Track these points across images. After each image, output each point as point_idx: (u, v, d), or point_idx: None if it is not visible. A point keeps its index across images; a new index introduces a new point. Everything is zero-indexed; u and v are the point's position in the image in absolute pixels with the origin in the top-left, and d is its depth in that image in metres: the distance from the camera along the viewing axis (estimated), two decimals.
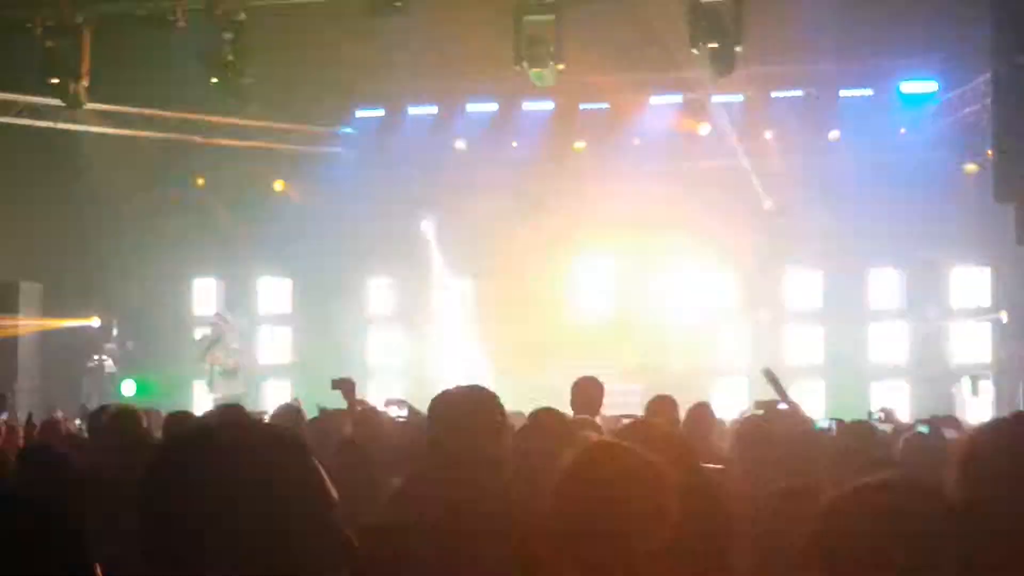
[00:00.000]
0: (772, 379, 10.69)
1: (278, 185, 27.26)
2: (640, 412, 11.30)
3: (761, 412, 11.35)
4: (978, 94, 21.94)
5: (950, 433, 12.69)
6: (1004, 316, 23.96)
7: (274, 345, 28.56)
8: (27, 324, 25.66)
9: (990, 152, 19.58)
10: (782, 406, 11.34)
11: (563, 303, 26.41)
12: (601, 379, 10.71)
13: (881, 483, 3.39)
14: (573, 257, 26.48)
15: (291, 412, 10.98)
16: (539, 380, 23.99)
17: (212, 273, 28.55)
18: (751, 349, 26.13)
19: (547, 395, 9.20)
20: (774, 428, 9.74)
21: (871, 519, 3.27)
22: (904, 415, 15.27)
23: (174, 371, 26.67)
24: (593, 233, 25.99)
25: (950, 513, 3.34)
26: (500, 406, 5.44)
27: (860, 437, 9.71)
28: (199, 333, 27.12)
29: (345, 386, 11.26)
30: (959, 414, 17.74)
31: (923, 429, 11.28)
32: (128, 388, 25.42)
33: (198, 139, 25.73)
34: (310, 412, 11.66)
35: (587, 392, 10.26)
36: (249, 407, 16.90)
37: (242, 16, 20.60)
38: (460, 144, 26.18)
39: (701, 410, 10.28)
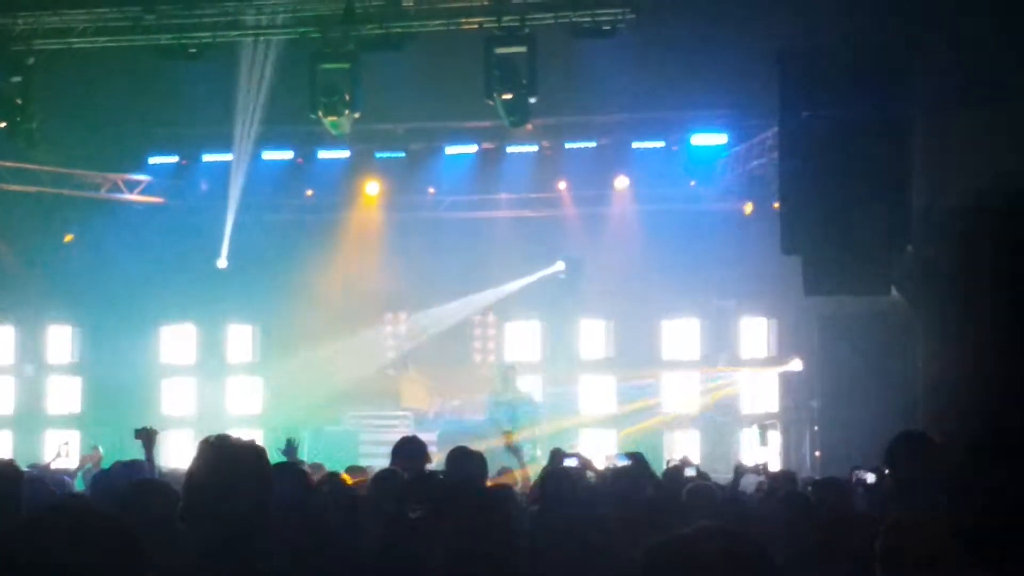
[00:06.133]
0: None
1: (65, 232, 26.68)
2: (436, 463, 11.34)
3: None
4: (766, 147, 22.40)
5: (754, 480, 12.99)
6: (799, 364, 24.37)
7: (63, 394, 27.88)
8: None
9: (777, 204, 19.97)
10: (568, 460, 11.56)
11: (359, 351, 26.26)
12: (396, 427, 10.76)
13: (696, 532, 3.40)
14: (366, 306, 26.36)
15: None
16: (330, 428, 23.99)
17: (3, 320, 27.82)
18: (551, 400, 26.23)
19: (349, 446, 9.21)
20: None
21: (684, 567, 3.27)
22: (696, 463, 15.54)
23: None
24: (388, 282, 25.96)
25: (763, 562, 3.36)
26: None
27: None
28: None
29: (146, 436, 11.22)
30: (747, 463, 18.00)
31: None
32: None
33: None
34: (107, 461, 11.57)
35: (410, 451, 10.25)
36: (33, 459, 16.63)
37: (31, 60, 20.25)
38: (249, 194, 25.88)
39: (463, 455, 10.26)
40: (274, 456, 12.64)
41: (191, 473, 4.85)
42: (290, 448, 12.14)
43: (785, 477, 13.62)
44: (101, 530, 3.19)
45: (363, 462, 14.84)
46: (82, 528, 3.17)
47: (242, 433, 22.50)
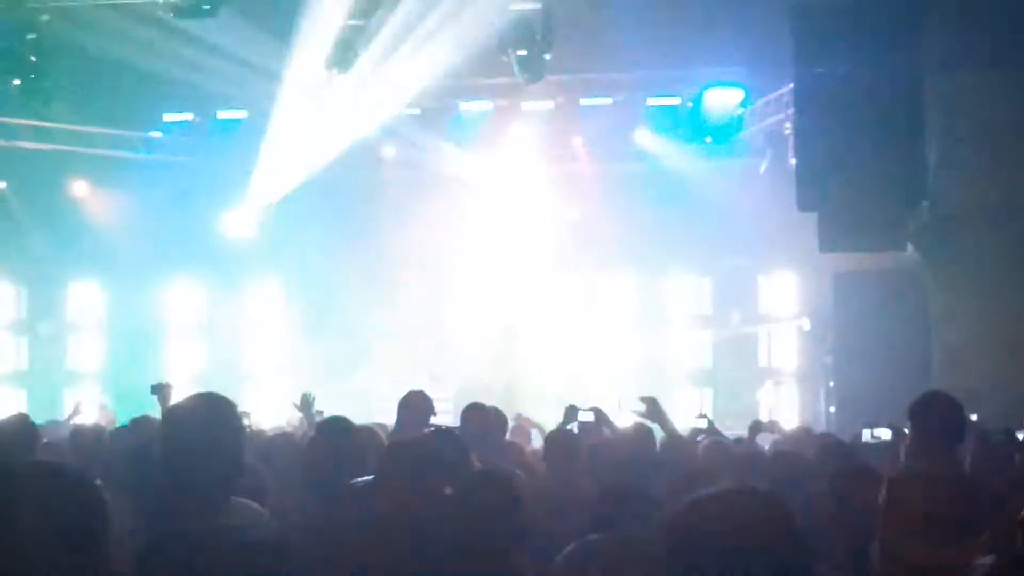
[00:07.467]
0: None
1: (81, 190, 26.71)
2: (451, 420, 11.38)
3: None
4: (783, 103, 22.33)
5: (770, 438, 12.98)
6: (806, 323, 24.41)
7: (80, 351, 27.99)
8: None
9: (794, 161, 19.95)
10: (584, 415, 11.58)
11: (373, 310, 26.30)
12: (409, 385, 10.83)
13: (723, 493, 3.39)
14: (383, 264, 26.40)
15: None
16: (346, 386, 24.02)
17: (15, 278, 27.90)
18: (555, 359, 26.23)
19: (358, 401, 9.24)
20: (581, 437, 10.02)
21: (715, 529, 3.26)
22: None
23: None
24: (401, 239, 25.97)
25: (793, 522, 3.35)
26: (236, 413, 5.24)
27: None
28: None
29: (163, 392, 11.25)
30: (764, 419, 18.02)
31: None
32: None
33: (0, 142, 25.16)
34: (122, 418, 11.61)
35: (415, 406, 10.31)
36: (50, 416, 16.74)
37: (45, 17, 20.24)
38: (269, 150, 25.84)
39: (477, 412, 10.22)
40: (289, 409, 12.78)
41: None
42: (305, 402, 12.15)
43: (801, 433, 13.64)
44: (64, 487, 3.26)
45: (378, 419, 14.86)
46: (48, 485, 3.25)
47: (272, 390, 22.54)
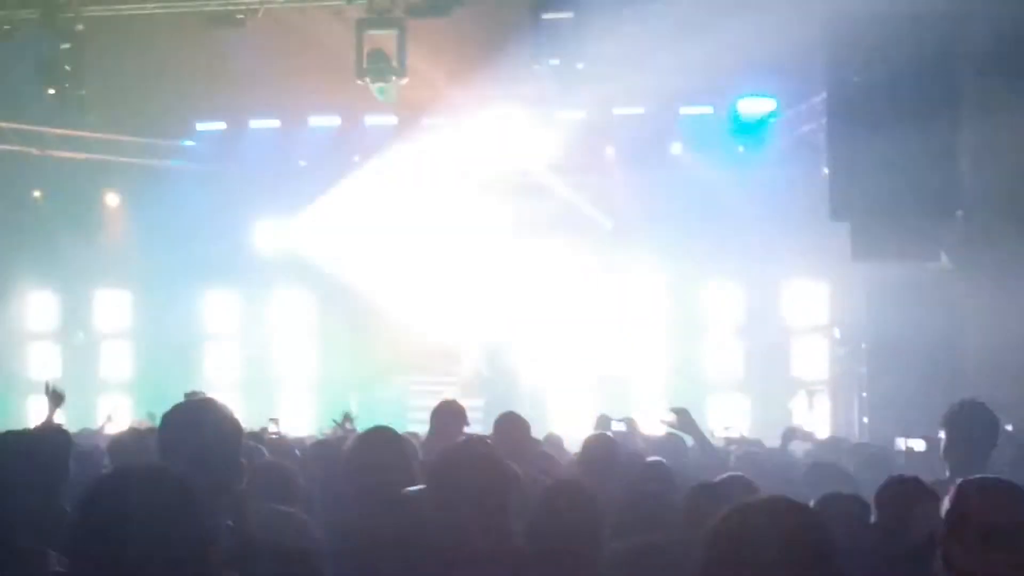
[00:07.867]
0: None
1: (114, 199, 26.84)
2: (482, 428, 11.37)
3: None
4: (815, 112, 22.26)
5: (803, 446, 12.94)
6: (837, 332, 24.32)
7: (113, 359, 28.07)
8: None
9: (826, 170, 19.86)
10: (616, 425, 11.56)
11: (402, 318, 26.29)
12: (443, 393, 10.85)
13: (763, 503, 3.38)
14: (414, 273, 26.39)
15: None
16: (379, 394, 24.04)
17: (49, 287, 28.00)
18: (587, 367, 26.19)
19: (390, 409, 9.22)
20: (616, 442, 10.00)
21: (756, 538, 3.25)
22: (743, 429, 15.48)
23: (6, 388, 26.18)
24: (435, 247, 25.99)
25: (831, 536, 3.34)
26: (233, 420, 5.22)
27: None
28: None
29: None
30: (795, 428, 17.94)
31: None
32: None
33: (35, 151, 25.27)
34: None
35: (449, 415, 10.30)
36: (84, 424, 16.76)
37: (80, 27, 20.31)
38: (301, 160, 25.93)
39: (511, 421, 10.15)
40: (321, 419, 12.80)
41: None
42: (348, 420, 12.14)
43: (834, 443, 13.60)
44: (167, 488, 3.28)
45: (412, 428, 14.87)
46: (149, 486, 3.26)
47: (303, 399, 22.53)
